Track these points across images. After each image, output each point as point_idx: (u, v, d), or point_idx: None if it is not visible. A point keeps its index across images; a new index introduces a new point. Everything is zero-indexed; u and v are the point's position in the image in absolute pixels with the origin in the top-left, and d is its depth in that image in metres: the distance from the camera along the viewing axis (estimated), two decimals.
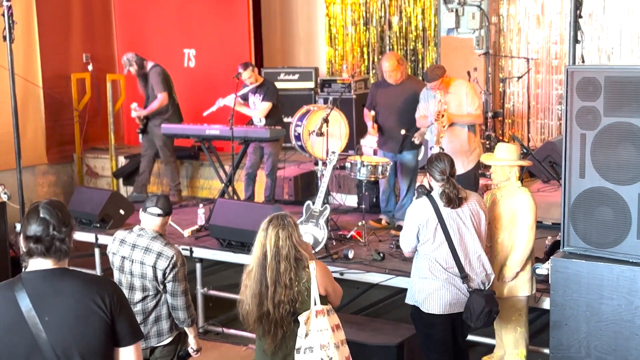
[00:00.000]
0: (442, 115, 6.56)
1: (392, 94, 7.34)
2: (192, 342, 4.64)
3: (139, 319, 4.53)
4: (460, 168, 6.53)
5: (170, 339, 4.57)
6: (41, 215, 2.82)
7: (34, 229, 2.80)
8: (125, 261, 4.55)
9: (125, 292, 4.57)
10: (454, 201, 4.76)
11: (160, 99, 8.82)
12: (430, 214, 4.79)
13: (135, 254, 4.50)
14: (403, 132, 7.19)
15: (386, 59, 7.39)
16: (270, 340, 3.95)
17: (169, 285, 4.47)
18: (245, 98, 8.27)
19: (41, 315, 2.75)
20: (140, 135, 9.22)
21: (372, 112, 7.42)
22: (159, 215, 4.55)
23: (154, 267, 4.44)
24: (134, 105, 9.01)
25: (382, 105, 7.43)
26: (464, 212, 4.79)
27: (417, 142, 7.13)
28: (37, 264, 2.82)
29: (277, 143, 8.18)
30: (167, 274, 4.44)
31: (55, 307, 2.76)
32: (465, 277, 4.75)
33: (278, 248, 3.89)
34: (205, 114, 8.48)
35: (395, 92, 7.33)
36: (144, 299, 4.52)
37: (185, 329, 4.59)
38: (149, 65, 8.98)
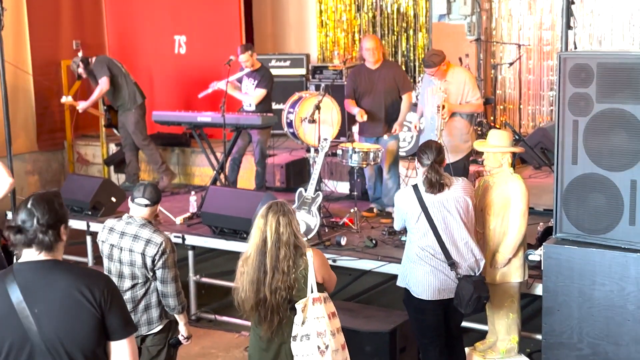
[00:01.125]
0: (443, 107, 6.53)
1: (373, 79, 7.36)
2: (182, 330, 4.63)
3: (128, 307, 4.51)
4: (454, 157, 6.53)
5: (160, 327, 4.56)
6: (28, 206, 2.81)
7: (19, 218, 2.81)
8: (114, 249, 4.54)
9: (115, 280, 4.55)
10: (435, 186, 4.77)
11: (101, 84, 8.75)
12: (414, 204, 4.82)
13: (124, 242, 4.49)
14: (386, 137, 7.31)
15: (367, 39, 7.53)
16: (266, 326, 3.95)
17: (158, 272, 4.46)
18: (239, 81, 8.23)
19: (31, 307, 2.74)
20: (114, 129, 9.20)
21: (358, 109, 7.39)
22: (146, 205, 4.54)
23: (143, 254, 4.43)
24: (66, 99, 9.11)
25: (364, 90, 7.42)
26: (448, 200, 4.80)
27: (395, 132, 7.22)
28: (29, 255, 2.82)
29: (266, 130, 8.15)
30: (156, 261, 4.43)
31: (45, 299, 2.76)
32: (452, 264, 4.77)
33: (279, 234, 3.89)
34: (200, 95, 8.43)
35: (377, 77, 7.35)
36: (133, 286, 4.51)
37: (176, 316, 4.58)
38: (92, 60, 8.96)
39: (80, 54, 10.46)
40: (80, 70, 8.94)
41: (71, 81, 10.55)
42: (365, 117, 7.27)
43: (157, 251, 4.42)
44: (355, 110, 7.35)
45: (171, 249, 4.50)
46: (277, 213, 3.91)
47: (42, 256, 2.81)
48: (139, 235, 4.46)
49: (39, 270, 2.79)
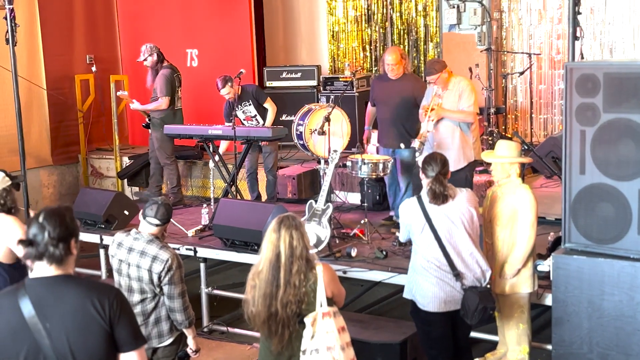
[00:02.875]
0: (432, 110, 6.54)
1: (390, 89, 7.35)
2: (190, 343, 4.66)
3: (139, 320, 4.55)
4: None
5: (171, 340, 4.60)
6: (40, 220, 2.87)
7: (31, 232, 2.87)
8: (122, 264, 4.58)
9: (125, 294, 4.58)
10: (439, 197, 4.78)
11: (160, 102, 8.70)
12: (418, 215, 4.83)
13: (132, 258, 4.53)
14: (402, 146, 7.28)
15: (389, 52, 7.41)
16: (277, 340, 3.94)
17: (165, 288, 4.50)
18: (229, 114, 8.24)
19: (43, 322, 2.80)
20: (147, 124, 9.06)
21: (368, 129, 7.57)
22: (156, 225, 4.58)
23: (150, 271, 4.47)
24: (122, 93, 9.08)
25: (380, 99, 7.47)
26: (452, 211, 4.81)
27: (415, 146, 6.74)
28: (41, 268, 2.87)
29: (276, 142, 8.23)
30: (162, 277, 4.46)
31: (56, 313, 2.80)
32: (457, 275, 4.77)
33: (292, 248, 3.87)
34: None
35: (394, 87, 7.34)
36: (142, 301, 4.55)
37: (184, 330, 4.61)
38: (165, 64, 8.90)
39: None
40: (151, 59, 8.79)
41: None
42: (370, 139, 7.37)
43: (164, 268, 4.45)
44: (365, 129, 7.61)
45: (177, 265, 4.52)
46: (289, 228, 3.90)
47: (53, 270, 2.86)
48: (145, 251, 4.50)
49: (50, 285, 2.85)
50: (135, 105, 8.86)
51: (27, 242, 2.86)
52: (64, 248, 2.86)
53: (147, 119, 8.96)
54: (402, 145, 7.29)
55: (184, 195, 9.33)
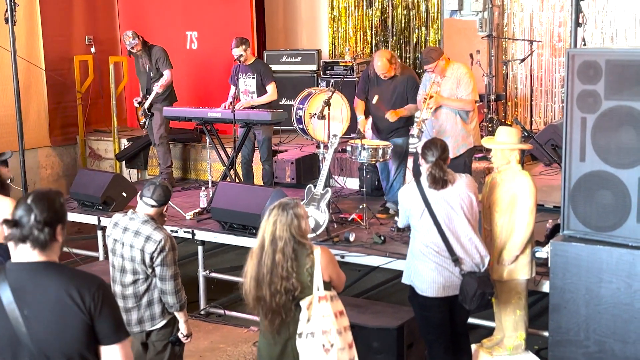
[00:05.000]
0: (431, 97, 6.52)
1: (384, 87, 7.25)
2: (182, 327, 4.62)
3: (131, 302, 4.55)
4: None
5: (164, 322, 4.58)
6: (28, 202, 2.76)
7: (17, 213, 2.75)
8: (117, 244, 4.57)
9: (117, 274, 4.59)
10: (439, 182, 4.77)
11: (168, 75, 8.65)
12: (417, 200, 4.82)
13: (126, 237, 4.52)
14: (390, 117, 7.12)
15: (378, 57, 7.19)
16: (267, 323, 3.97)
17: (157, 269, 4.47)
18: (234, 83, 8.22)
19: (21, 309, 2.70)
20: (145, 122, 8.89)
21: (362, 118, 7.38)
22: (152, 206, 4.56)
23: (142, 251, 4.45)
24: (137, 99, 8.86)
25: (372, 95, 7.37)
26: (451, 196, 4.80)
27: (414, 133, 6.71)
28: (24, 254, 2.75)
29: (270, 128, 8.17)
30: (154, 258, 4.44)
31: (35, 301, 2.70)
32: (456, 260, 4.77)
33: (274, 238, 3.89)
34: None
35: (387, 86, 7.24)
36: (134, 282, 4.53)
37: (175, 313, 4.57)
38: (149, 44, 8.85)
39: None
40: (136, 42, 8.68)
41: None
42: (366, 128, 7.28)
43: (156, 248, 4.43)
44: (359, 119, 7.38)
45: (171, 246, 4.49)
46: (276, 216, 3.91)
47: (36, 255, 2.74)
48: (139, 231, 4.49)
49: (31, 271, 2.73)
50: (149, 98, 8.67)
51: (12, 223, 2.73)
52: (49, 233, 2.74)
53: (143, 117, 8.82)
54: (395, 137, 7.22)
55: (180, 177, 9.30)
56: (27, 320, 2.70)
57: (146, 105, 8.72)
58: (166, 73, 8.68)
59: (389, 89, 7.23)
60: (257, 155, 8.43)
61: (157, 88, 8.56)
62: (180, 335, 4.63)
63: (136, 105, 8.91)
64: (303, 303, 3.90)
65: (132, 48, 8.78)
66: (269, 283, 3.90)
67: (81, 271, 2.87)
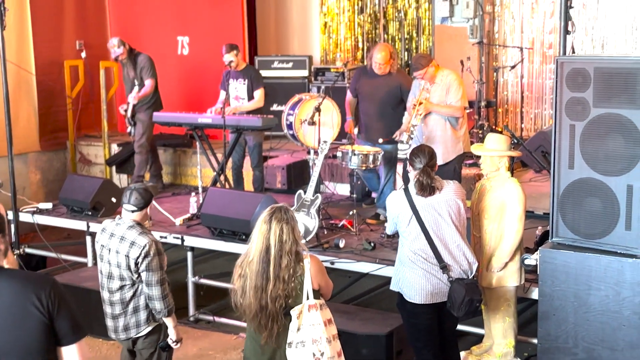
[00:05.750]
0: (420, 103, 6.54)
1: (376, 84, 7.28)
2: (171, 333, 4.61)
3: (118, 309, 4.54)
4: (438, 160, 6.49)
5: (149, 329, 4.56)
6: None
7: None
8: (104, 249, 4.57)
9: (105, 280, 4.58)
10: (426, 189, 4.78)
11: (150, 84, 8.66)
12: (405, 207, 4.83)
13: (112, 243, 4.51)
14: (381, 140, 7.13)
15: (379, 49, 7.24)
16: (267, 334, 3.92)
17: (143, 275, 4.45)
18: (225, 88, 8.20)
19: None
20: (130, 129, 8.95)
21: (350, 119, 7.46)
22: (132, 211, 4.56)
23: (127, 256, 4.44)
24: (123, 106, 8.86)
25: (365, 94, 7.39)
26: (439, 203, 4.81)
27: (397, 139, 6.86)
28: None
29: (261, 134, 8.16)
30: (139, 263, 4.42)
31: None
32: (444, 267, 4.77)
33: (282, 243, 3.85)
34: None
35: (380, 83, 7.26)
36: (121, 287, 4.52)
37: (163, 319, 4.56)
38: (136, 51, 8.83)
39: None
40: (120, 51, 8.66)
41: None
42: (354, 130, 7.30)
43: (140, 253, 4.41)
44: (347, 119, 7.41)
45: (156, 251, 4.47)
46: (280, 221, 3.87)
47: None
48: (125, 236, 4.48)
49: None
50: (130, 102, 8.70)
51: None
52: None
53: (128, 123, 8.82)
54: (380, 140, 7.21)
55: (170, 183, 9.29)
56: None
57: (128, 114, 8.72)
58: (147, 83, 8.68)
59: (381, 85, 7.24)
60: (247, 161, 8.41)
61: (132, 99, 8.64)
62: (169, 341, 4.61)
63: (122, 113, 8.91)
64: (293, 312, 3.88)
65: (117, 57, 8.78)
66: (271, 290, 3.85)
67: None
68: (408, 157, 4.96)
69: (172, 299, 4.60)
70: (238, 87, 8.13)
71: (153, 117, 8.53)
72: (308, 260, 3.95)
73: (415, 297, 4.79)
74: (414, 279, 4.79)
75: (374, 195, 7.80)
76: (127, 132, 9.03)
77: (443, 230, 4.79)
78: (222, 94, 8.19)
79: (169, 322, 4.58)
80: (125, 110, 8.81)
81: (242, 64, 8.17)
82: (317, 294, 3.97)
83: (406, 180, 5.18)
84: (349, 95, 7.61)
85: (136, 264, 4.43)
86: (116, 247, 4.49)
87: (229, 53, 7.98)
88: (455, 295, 4.71)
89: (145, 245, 4.42)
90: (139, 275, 4.47)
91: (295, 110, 7.88)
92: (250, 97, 8.14)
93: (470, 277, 4.84)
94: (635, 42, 9.30)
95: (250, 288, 3.89)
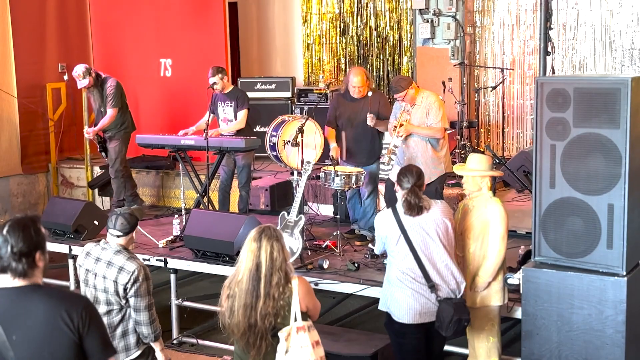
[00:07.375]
0: (401, 125, 6.58)
1: (356, 109, 7.32)
2: (159, 356, 4.60)
3: None
4: None
5: (138, 353, 4.54)
6: (4, 232, 2.81)
7: None
8: (89, 274, 4.53)
9: None
10: (414, 209, 4.80)
11: (110, 114, 8.54)
12: (393, 227, 4.84)
13: (99, 268, 4.48)
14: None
15: (354, 73, 7.32)
16: (255, 352, 3.90)
17: (131, 300, 4.44)
18: (213, 111, 8.19)
19: (9, 334, 2.74)
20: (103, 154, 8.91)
21: (334, 146, 7.41)
22: (118, 236, 4.55)
23: (116, 282, 4.41)
24: (88, 129, 8.80)
25: (345, 118, 7.41)
26: (427, 223, 4.82)
27: (384, 160, 6.85)
28: (6, 281, 2.80)
29: (250, 154, 8.15)
30: (128, 289, 4.40)
31: (23, 325, 2.75)
32: (432, 287, 4.77)
33: (273, 260, 3.84)
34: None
35: (359, 106, 7.30)
36: (108, 312, 4.49)
37: (151, 343, 4.55)
38: (103, 76, 8.71)
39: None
40: (85, 83, 8.51)
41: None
42: (339, 155, 7.31)
43: (130, 279, 4.39)
44: (332, 146, 7.42)
45: (144, 277, 4.46)
46: (271, 238, 3.87)
47: (18, 282, 2.80)
48: (112, 262, 4.45)
49: (16, 296, 2.79)
50: (90, 129, 8.66)
51: None
52: (28, 262, 2.80)
53: (99, 146, 8.77)
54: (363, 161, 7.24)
55: (152, 205, 9.25)
56: (16, 344, 2.74)
57: (95, 142, 8.69)
58: (109, 112, 8.56)
59: (361, 108, 7.28)
60: (235, 182, 8.40)
61: (91, 132, 8.58)
62: None
63: (86, 137, 8.91)
64: (281, 334, 3.86)
65: (83, 88, 8.73)
66: (261, 308, 3.83)
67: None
68: (394, 178, 4.98)
69: (159, 323, 4.58)
70: (226, 110, 8.14)
71: (136, 139, 8.50)
72: (296, 281, 3.94)
73: (404, 316, 4.79)
74: (403, 299, 4.79)
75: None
76: (103, 157, 9.00)
77: (431, 250, 4.80)
78: (209, 116, 8.11)
79: (156, 346, 4.57)
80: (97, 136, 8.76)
81: (228, 86, 8.18)
82: (304, 315, 3.96)
83: (390, 201, 5.19)
84: (327, 129, 7.54)
85: (125, 289, 4.41)
86: (103, 272, 4.45)
87: (214, 76, 7.99)
88: (444, 314, 4.71)
89: (134, 270, 4.40)
90: (127, 300, 4.44)
91: (278, 131, 7.89)
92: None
93: (458, 297, 4.85)
94: (614, 63, 9.42)
95: (240, 307, 3.87)
